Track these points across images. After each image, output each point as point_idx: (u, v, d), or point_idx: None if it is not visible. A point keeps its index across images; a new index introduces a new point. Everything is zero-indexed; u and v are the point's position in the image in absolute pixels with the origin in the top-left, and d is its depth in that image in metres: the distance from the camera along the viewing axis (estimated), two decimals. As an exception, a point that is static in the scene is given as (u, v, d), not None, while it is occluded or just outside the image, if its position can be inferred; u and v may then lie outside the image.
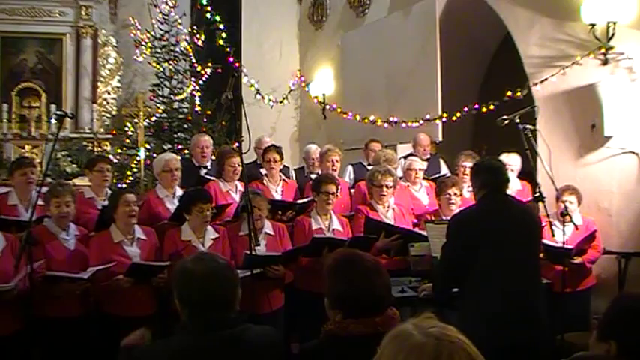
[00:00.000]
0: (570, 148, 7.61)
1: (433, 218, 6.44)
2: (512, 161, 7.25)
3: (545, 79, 7.81)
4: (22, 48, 12.57)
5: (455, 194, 6.48)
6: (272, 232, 5.96)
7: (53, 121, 11.71)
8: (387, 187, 6.44)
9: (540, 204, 5.74)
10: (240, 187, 6.74)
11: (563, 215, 5.92)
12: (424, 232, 6.01)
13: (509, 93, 8.44)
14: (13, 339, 4.96)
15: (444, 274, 4.79)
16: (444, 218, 6.27)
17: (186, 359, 2.76)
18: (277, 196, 7.14)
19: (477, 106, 9.11)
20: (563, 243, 5.87)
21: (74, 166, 11.72)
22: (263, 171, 7.62)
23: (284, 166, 7.87)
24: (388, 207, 6.54)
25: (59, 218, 5.41)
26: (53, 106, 11.90)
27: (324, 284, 2.93)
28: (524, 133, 5.62)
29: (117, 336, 5.06)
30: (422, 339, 1.77)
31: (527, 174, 7.13)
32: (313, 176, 8.05)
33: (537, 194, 5.74)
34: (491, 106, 8.76)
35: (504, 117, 5.78)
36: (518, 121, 5.69)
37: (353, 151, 10.21)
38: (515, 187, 6.97)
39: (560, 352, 4.79)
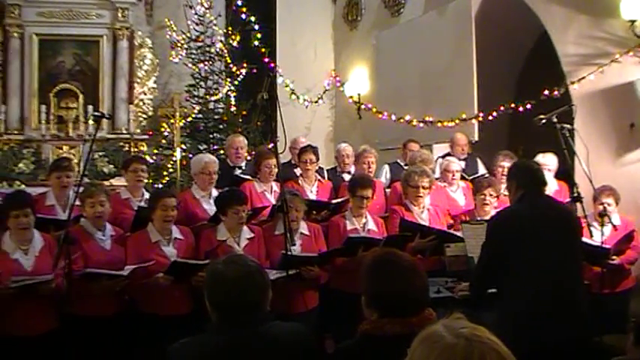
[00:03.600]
0: (608, 147, 7.52)
1: (467, 218, 6.40)
2: (548, 161, 7.18)
3: (583, 78, 7.73)
4: (60, 50, 12.69)
5: (490, 195, 6.43)
6: (307, 233, 5.96)
7: (90, 121, 11.83)
8: (423, 187, 6.40)
9: (578, 204, 5.67)
10: (276, 187, 6.74)
11: (602, 216, 5.85)
12: (459, 233, 5.98)
13: (546, 92, 8.36)
14: (49, 337, 5.04)
15: (479, 275, 4.79)
16: (478, 218, 6.23)
17: (217, 356, 2.80)
18: (312, 196, 7.12)
19: (513, 105, 9.04)
20: (602, 243, 5.79)
21: (111, 166, 11.83)
22: (297, 171, 7.62)
23: (319, 167, 7.85)
24: (423, 207, 6.51)
25: (94, 218, 5.47)
26: (90, 107, 12.03)
27: (361, 283, 2.92)
28: (562, 133, 5.56)
29: (153, 335, 5.17)
30: (453, 340, 1.75)
31: (565, 174, 7.05)
32: (345, 175, 8.04)
33: (575, 194, 5.68)
34: (528, 105, 8.69)
35: (541, 116, 5.72)
36: (555, 120, 5.63)
37: (388, 151, 10.17)
38: (553, 187, 6.90)
39: (598, 354, 4.73)
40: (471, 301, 4.91)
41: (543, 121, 5.69)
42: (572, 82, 7.89)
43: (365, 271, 2.94)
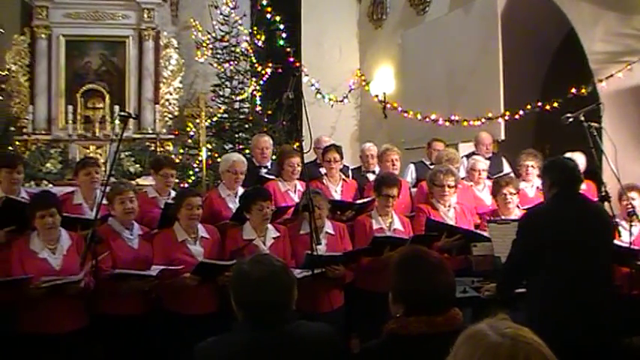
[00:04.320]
0: (637, 146, 7.45)
1: (490, 218, 6.35)
2: (576, 160, 7.10)
3: (611, 76, 7.66)
4: (86, 51, 12.77)
5: (510, 193, 6.36)
6: (332, 232, 5.94)
7: (117, 121, 11.90)
8: (448, 186, 6.37)
9: (606, 204, 5.61)
10: (300, 186, 6.75)
11: (630, 215, 5.79)
12: (486, 233, 5.94)
13: (573, 90, 8.30)
14: (79, 335, 5.08)
15: (507, 273, 4.77)
16: (502, 218, 6.18)
17: (243, 355, 2.81)
18: (337, 196, 7.11)
19: (539, 103, 8.98)
20: (630, 244, 5.73)
21: (137, 165, 11.89)
22: (322, 170, 7.61)
23: (344, 165, 7.84)
24: (449, 206, 6.47)
25: (124, 214, 5.49)
26: (117, 107, 12.09)
27: (389, 280, 2.93)
28: (590, 131, 5.51)
29: (179, 334, 5.19)
30: (498, 339, 1.76)
31: (592, 173, 6.98)
32: (370, 174, 8.02)
33: (603, 194, 5.62)
34: (555, 104, 8.63)
35: (569, 115, 5.67)
36: (582, 118, 5.57)
37: (414, 150, 10.15)
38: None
39: (628, 355, 4.69)
40: (498, 300, 4.88)
41: (570, 119, 5.63)
42: (600, 80, 7.82)
43: (393, 268, 2.96)
